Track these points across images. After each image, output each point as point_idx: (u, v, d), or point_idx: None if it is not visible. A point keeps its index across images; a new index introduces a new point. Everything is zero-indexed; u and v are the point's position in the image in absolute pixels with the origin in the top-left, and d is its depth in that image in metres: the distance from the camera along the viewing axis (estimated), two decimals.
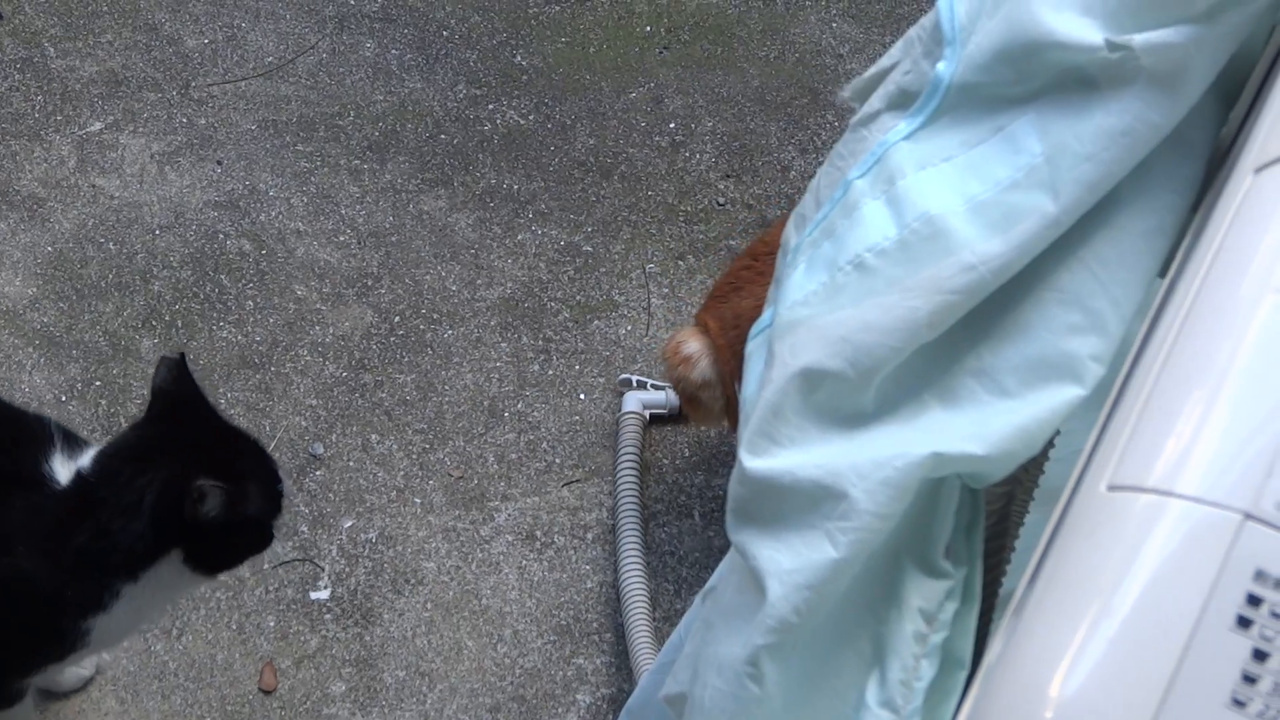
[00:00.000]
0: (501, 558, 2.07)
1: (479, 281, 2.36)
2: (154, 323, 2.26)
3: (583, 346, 2.30)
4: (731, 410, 1.95)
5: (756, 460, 1.07)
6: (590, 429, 2.21)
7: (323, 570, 2.04)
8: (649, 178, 2.52)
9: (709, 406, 1.97)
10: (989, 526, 1.08)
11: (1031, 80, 1.04)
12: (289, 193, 2.46)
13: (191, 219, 2.41)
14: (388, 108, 2.60)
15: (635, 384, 2.23)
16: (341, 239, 2.40)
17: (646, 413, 2.19)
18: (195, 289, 2.31)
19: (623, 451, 2.13)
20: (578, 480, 2.16)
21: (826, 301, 1.08)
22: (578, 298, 2.36)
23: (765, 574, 1.04)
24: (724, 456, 2.20)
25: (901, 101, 1.13)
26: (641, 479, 2.13)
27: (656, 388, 2.21)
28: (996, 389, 1.00)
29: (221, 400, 2.17)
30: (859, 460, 1.00)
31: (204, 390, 1.60)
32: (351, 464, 2.14)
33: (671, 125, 2.60)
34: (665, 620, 2.02)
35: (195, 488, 1.45)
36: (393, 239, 2.41)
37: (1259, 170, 0.89)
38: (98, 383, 2.19)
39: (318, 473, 2.13)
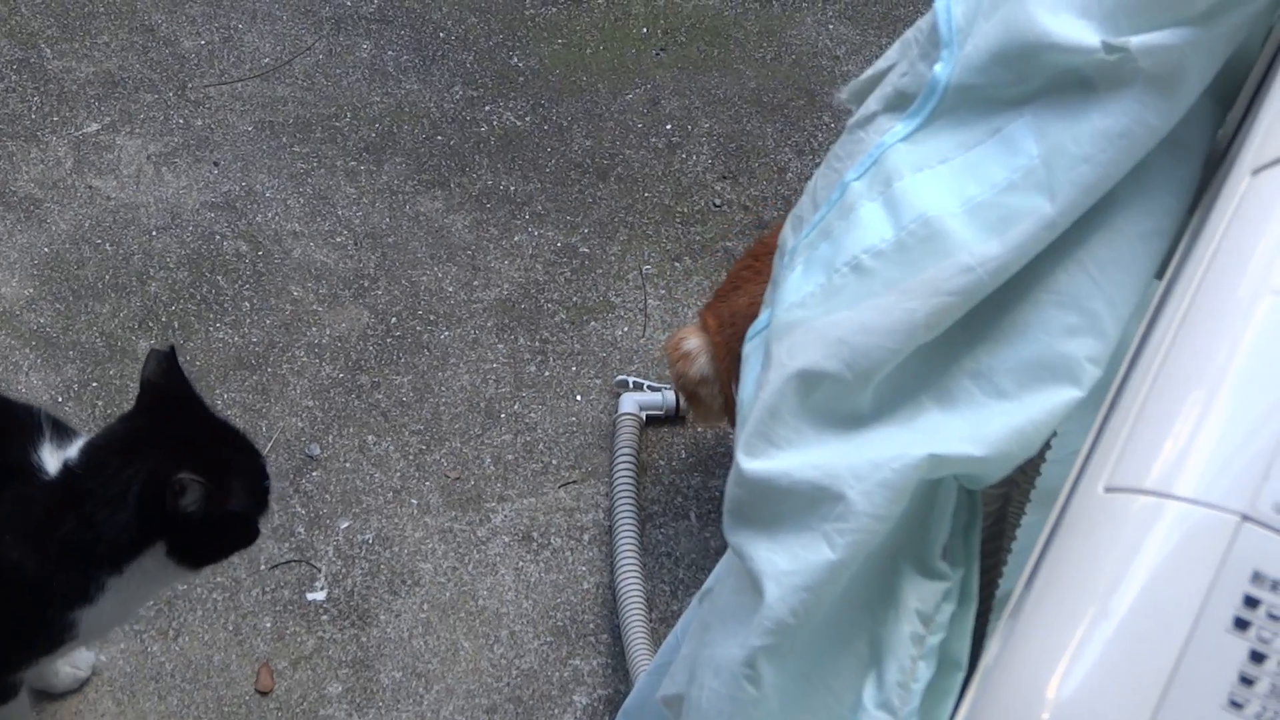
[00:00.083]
0: (498, 559, 2.07)
1: (475, 283, 2.36)
2: (150, 324, 2.26)
3: (579, 348, 2.30)
4: (730, 408, 1.95)
5: (753, 462, 1.07)
6: (587, 430, 2.21)
7: (319, 571, 2.04)
8: (645, 179, 2.52)
9: (708, 403, 1.97)
10: (986, 528, 1.08)
11: (1028, 82, 1.04)
12: (285, 194, 2.45)
13: (188, 220, 2.40)
14: (384, 109, 2.60)
15: (632, 385, 2.22)
16: (338, 240, 2.40)
17: (643, 414, 2.19)
18: (192, 290, 2.31)
19: (619, 453, 2.13)
20: (574, 481, 2.16)
21: (823, 303, 1.08)
22: (574, 299, 2.36)
23: (762, 575, 1.04)
24: (720, 458, 2.20)
25: (898, 103, 1.13)
26: (638, 480, 2.13)
27: (653, 389, 2.21)
28: (993, 391, 1.00)
29: (218, 401, 2.17)
30: (856, 462, 1.01)
31: (193, 384, 1.60)
32: (348, 465, 2.14)
33: (668, 127, 2.60)
34: (662, 621, 2.02)
35: (175, 481, 1.45)
36: (389, 240, 2.41)
37: (1256, 172, 0.89)
38: (94, 383, 2.19)
39: (314, 474, 2.13)
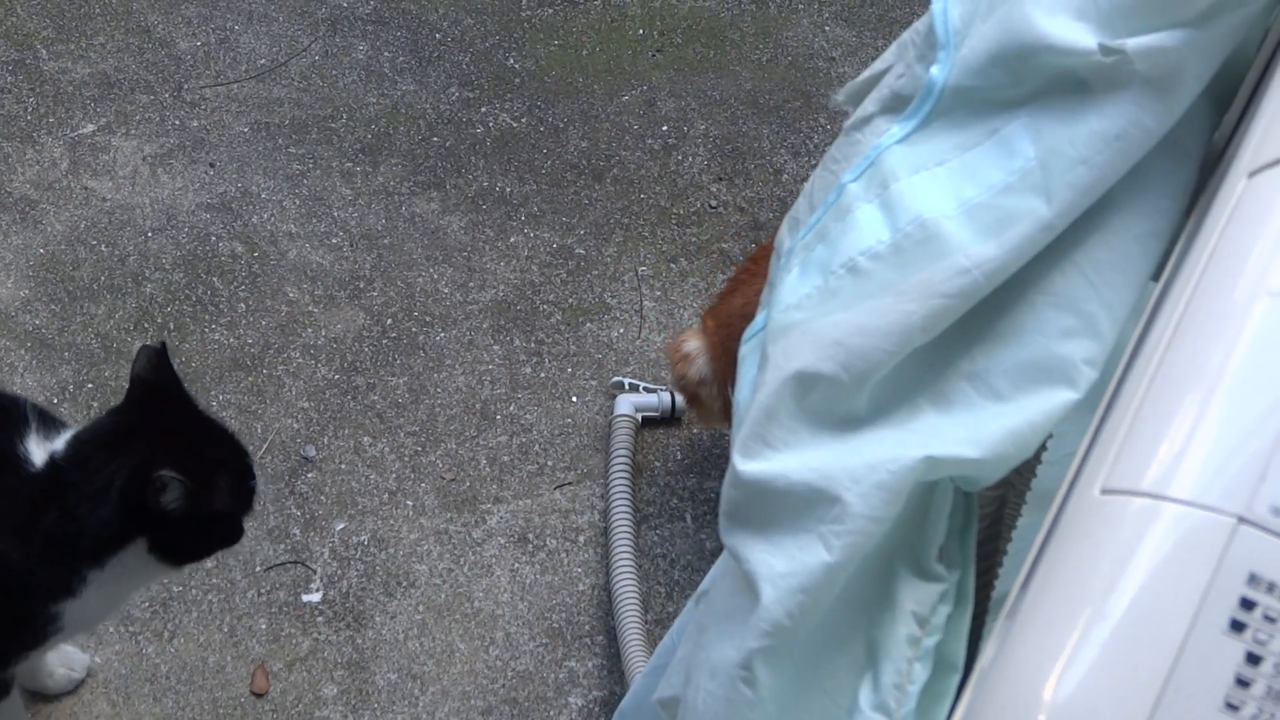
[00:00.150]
0: (493, 560, 2.07)
1: (471, 284, 2.36)
2: (146, 325, 2.26)
3: (575, 349, 2.30)
4: (729, 409, 1.95)
5: (750, 463, 1.07)
6: (582, 431, 2.21)
7: (314, 573, 2.04)
8: (641, 180, 2.52)
9: (708, 405, 1.98)
10: (982, 530, 1.08)
11: (1025, 84, 1.04)
12: (281, 195, 2.45)
13: (183, 221, 2.40)
14: (380, 110, 2.59)
15: (627, 386, 2.22)
16: (334, 241, 2.40)
17: (639, 415, 2.19)
18: (187, 291, 2.31)
19: (615, 454, 2.13)
20: (570, 483, 2.16)
21: (820, 305, 1.08)
22: (570, 300, 2.36)
23: (758, 577, 1.04)
24: (716, 459, 2.20)
25: (895, 105, 1.13)
26: (633, 482, 2.13)
27: (649, 390, 2.21)
28: (989, 392, 1.00)
29: (213, 403, 2.17)
30: (852, 464, 1.01)
31: (183, 381, 1.60)
32: (343, 466, 2.14)
33: (664, 128, 2.60)
34: (657, 623, 2.01)
35: (157, 478, 1.45)
36: (385, 241, 2.41)
37: (1253, 174, 0.89)
38: (89, 385, 2.18)
39: (309, 475, 2.13)
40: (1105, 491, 0.79)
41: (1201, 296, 0.85)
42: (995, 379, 1.00)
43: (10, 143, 2.48)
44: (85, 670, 1.91)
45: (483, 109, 2.61)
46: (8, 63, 2.60)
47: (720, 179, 2.53)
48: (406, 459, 2.16)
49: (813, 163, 2.53)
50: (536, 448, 2.19)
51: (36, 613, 1.54)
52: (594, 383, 2.26)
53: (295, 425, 2.17)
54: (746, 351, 1.17)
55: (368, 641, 1.98)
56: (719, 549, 1.16)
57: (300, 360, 2.25)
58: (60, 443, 1.53)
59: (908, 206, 1.06)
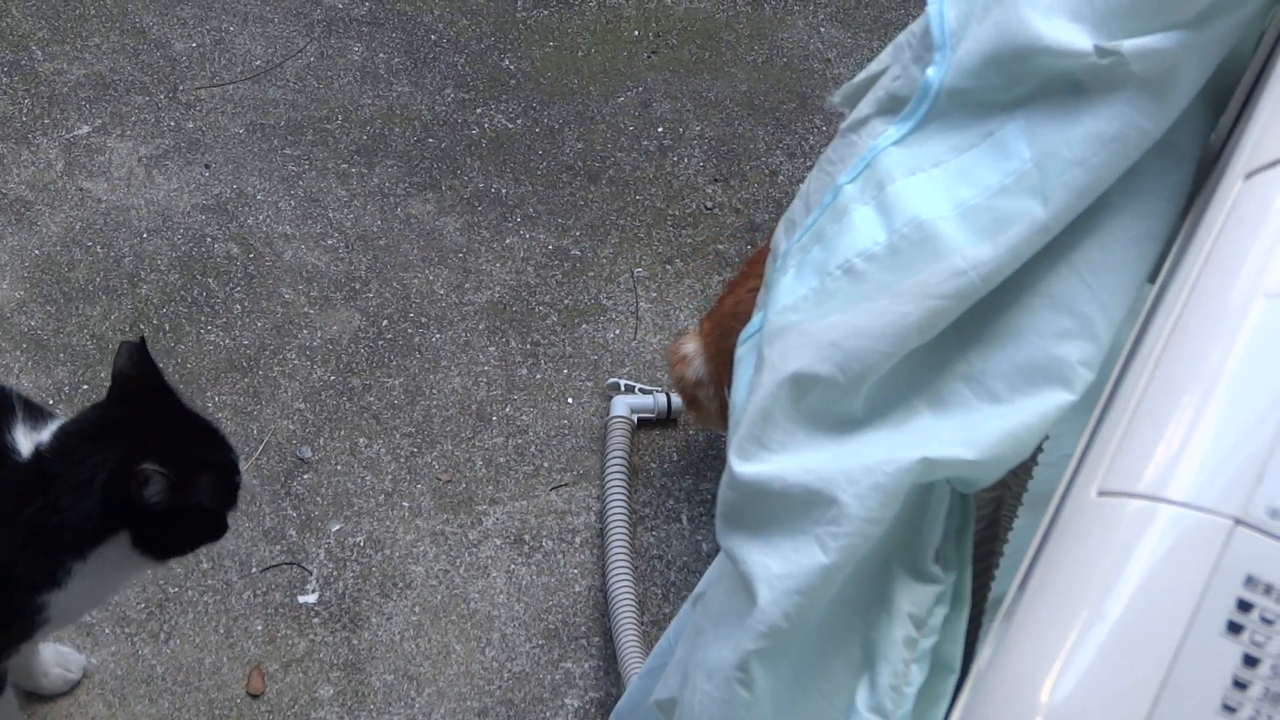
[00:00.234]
0: (489, 561, 2.07)
1: (467, 285, 2.36)
2: (141, 326, 2.25)
3: (571, 350, 2.30)
4: (726, 411, 1.95)
5: (746, 465, 1.07)
6: (578, 433, 2.21)
7: (310, 574, 2.04)
8: (637, 182, 2.52)
9: (706, 406, 1.98)
10: (978, 531, 1.08)
11: (1021, 85, 1.04)
12: (277, 196, 2.45)
13: (179, 222, 2.40)
14: (376, 111, 2.59)
15: (623, 388, 2.23)
16: (329, 242, 2.40)
17: (634, 417, 2.19)
18: (183, 292, 2.31)
19: (611, 455, 2.13)
20: (566, 484, 2.16)
21: (816, 306, 1.08)
22: (566, 301, 2.36)
23: (755, 579, 1.04)
24: (712, 461, 2.20)
25: (891, 107, 1.13)
26: (630, 483, 2.13)
27: (645, 391, 2.21)
28: (986, 394, 1.00)
29: (209, 404, 2.17)
30: (849, 465, 1.01)
31: (165, 376, 1.60)
32: (339, 468, 2.14)
33: (659, 129, 2.60)
34: (654, 624, 2.01)
35: (139, 472, 1.46)
36: (380, 242, 2.40)
37: (1249, 176, 0.89)
38: (85, 386, 2.18)
39: (305, 476, 2.12)
40: (1102, 493, 0.79)
41: (1198, 298, 0.85)
42: (992, 381, 1.00)
43: (5, 144, 2.48)
44: (81, 671, 1.91)
45: (478, 110, 2.61)
46: (2, 64, 2.59)
47: (716, 180, 2.54)
48: (402, 460, 2.16)
49: (808, 164, 2.53)
50: (532, 449, 2.19)
51: (22, 604, 1.55)
52: (590, 384, 2.26)
53: (291, 426, 2.17)
54: (742, 353, 1.17)
55: (364, 643, 1.98)
56: (715, 550, 1.16)
57: (296, 361, 2.25)
58: (46, 434, 1.54)
59: (904, 208, 1.06)
